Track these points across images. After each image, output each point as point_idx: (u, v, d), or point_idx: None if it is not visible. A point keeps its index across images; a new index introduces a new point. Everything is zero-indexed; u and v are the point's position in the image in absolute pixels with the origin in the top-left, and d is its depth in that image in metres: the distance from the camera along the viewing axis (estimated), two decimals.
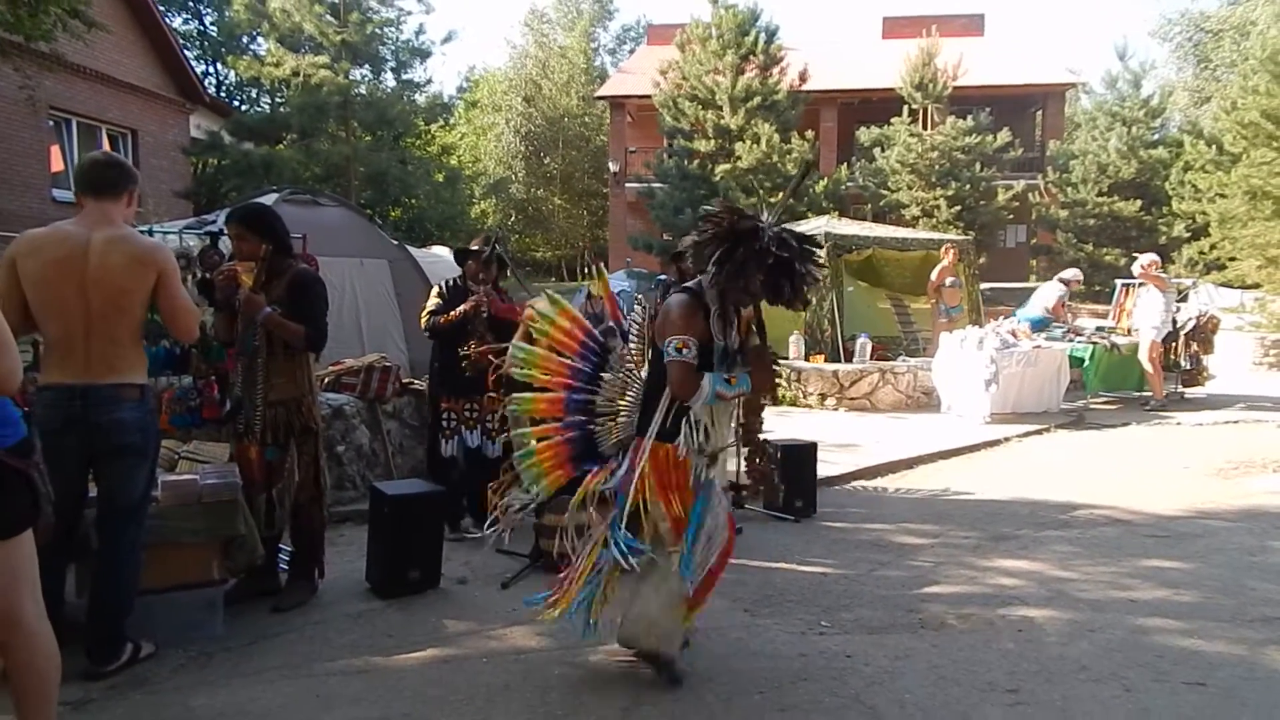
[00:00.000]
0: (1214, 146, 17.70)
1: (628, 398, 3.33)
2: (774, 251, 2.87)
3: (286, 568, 4.05)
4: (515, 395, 3.43)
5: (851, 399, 9.54)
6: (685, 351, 2.97)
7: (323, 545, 4.04)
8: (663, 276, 7.90)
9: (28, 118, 11.88)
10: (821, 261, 3.10)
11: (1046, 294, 10.86)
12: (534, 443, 3.34)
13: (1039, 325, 10.17)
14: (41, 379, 3.15)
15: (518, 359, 3.42)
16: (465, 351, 4.78)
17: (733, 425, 3.27)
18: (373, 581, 4.10)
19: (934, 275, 10.41)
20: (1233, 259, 16.79)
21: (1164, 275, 9.65)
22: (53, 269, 2.97)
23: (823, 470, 5.87)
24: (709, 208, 3.16)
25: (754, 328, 3.23)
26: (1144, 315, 9.75)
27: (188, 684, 3.12)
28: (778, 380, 3.11)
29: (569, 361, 3.38)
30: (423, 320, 5.01)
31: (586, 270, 31.20)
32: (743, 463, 3.55)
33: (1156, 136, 19.82)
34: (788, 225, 3.12)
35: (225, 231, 4.58)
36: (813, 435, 6.28)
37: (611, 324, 3.50)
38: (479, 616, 3.80)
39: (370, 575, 4.13)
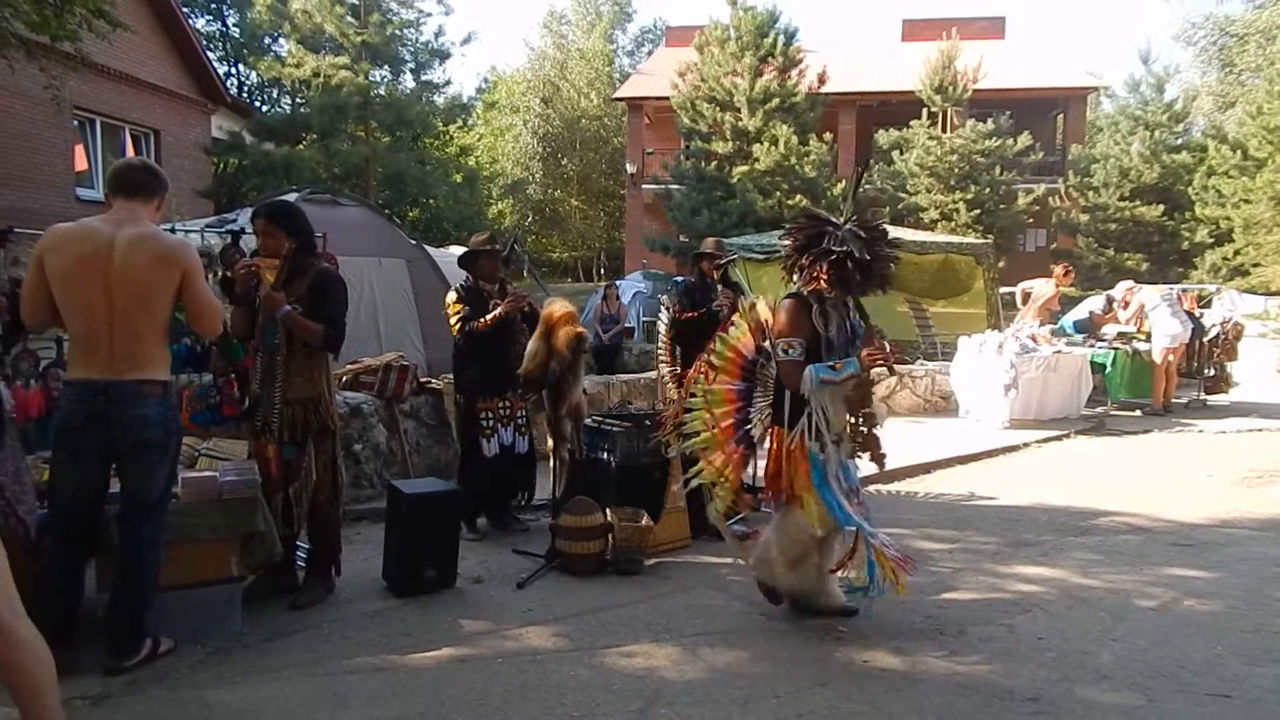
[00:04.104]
0: (1239, 151, 17.52)
1: (765, 398, 3.76)
2: (835, 249, 3.36)
3: (303, 565, 4.07)
4: (694, 439, 3.83)
5: None
6: (791, 351, 3.47)
7: (339, 543, 4.06)
8: (680, 278, 7.90)
9: (53, 117, 11.99)
10: (886, 254, 3.52)
11: (1093, 305, 10.75)
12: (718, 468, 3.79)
13: (1078, 328, 10.09)
14: (66, 374, 3.18)
15: (695, 405, 3.83)
16: (516, 351, 4.84)
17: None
18: (389, 580, 4.11)
19: (1048, 295, 10.06)
20: (1257, 265, 16.61)
21: (1143, 300, 9.56)
22: (78, 266, 3.00)
23: None
24: (790, 223, 3.68)
25: (861, 315, 3.64)
26: (1157, 329, 9.65)
27: (206, 680, 3.13)
28: (891, 356, 3.43)
29: (733, 385, 3.79)
30: (455, 327, 4.96)
31: (602, 271, 31.24)
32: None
33: (1180, 141, 19.63)
34: (864, 221, 3.53)
35: (247, 230, 4.62)
36: None
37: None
38: (495, 616, 3.80)
39: (387, 574, 4.14)
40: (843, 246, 3.36)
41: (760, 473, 3.90)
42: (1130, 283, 10.32)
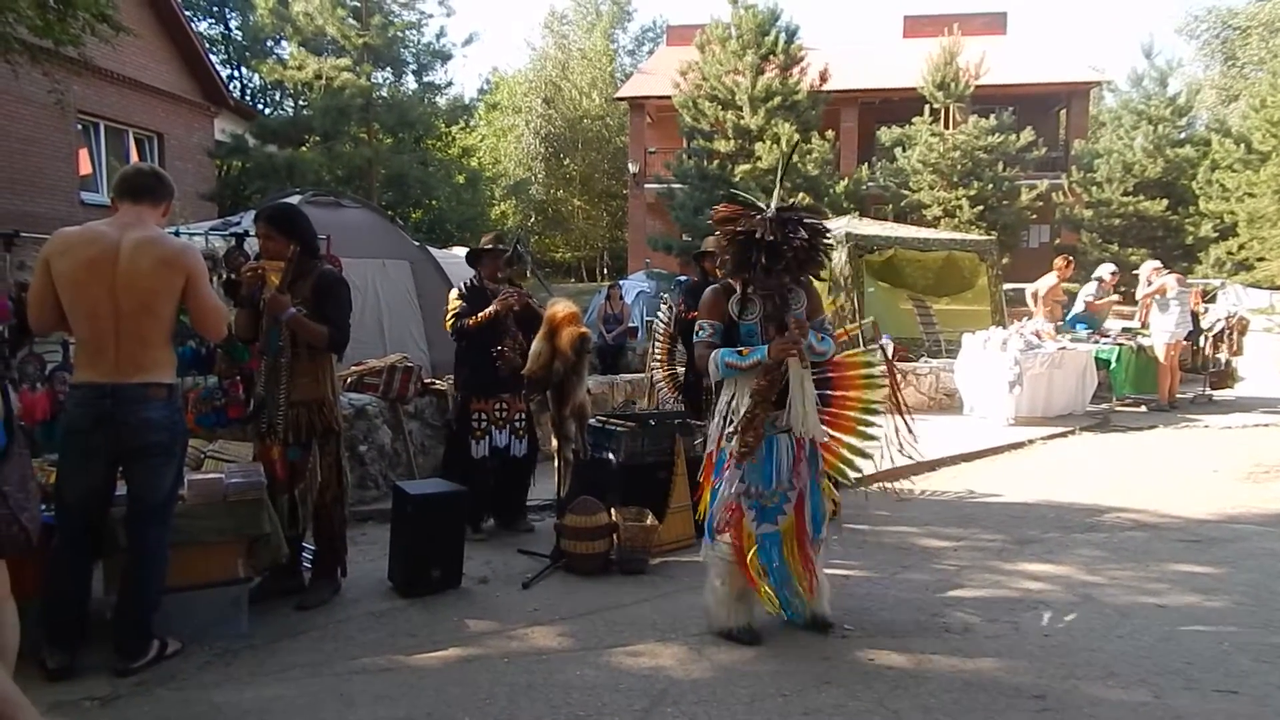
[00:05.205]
0: (1242, 145, 17.46)
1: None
2: (738, 230, 3.34)
3: (309, 566, 4.08)
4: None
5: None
6: (701, 332, 3.49)
7: (345, 544, 4.06)
8: (683, 277, 7.90)
9: (56, 121, 12.04)
10: (798, 238, 3.35)
11: (1085, 292, 10.76)
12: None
13: (1087, 324, 10.10)
14: (72, 378, 3.20)
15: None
16: (501, 349, 4.81)
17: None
18: (395, 580, 4.12)
19: (1050, 286, 10.18)
20: (1261, 259, 16.57)
21: (1166, 284, 9.55)
22: (83, 269, 3.01)
23: None
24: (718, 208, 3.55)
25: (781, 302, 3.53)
26: (1156, 325, 9.65)
27: (213, 680, 3.15)
28: (799, 349, 3.30)
29: None
30: (448, 324, 5.01)
31: (605, 271, 31.24)
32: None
33: (1183, 135, 19.55)
34: (785, 206, 3.45)
35: (251, 233, 4.63)
36: None
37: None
38: (500, 616, 3.81)
39: (392, 574, 4.16)
40: (746, 228, 3.33)
41: None
42: (1157, 263, 10.29)
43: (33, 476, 2.37)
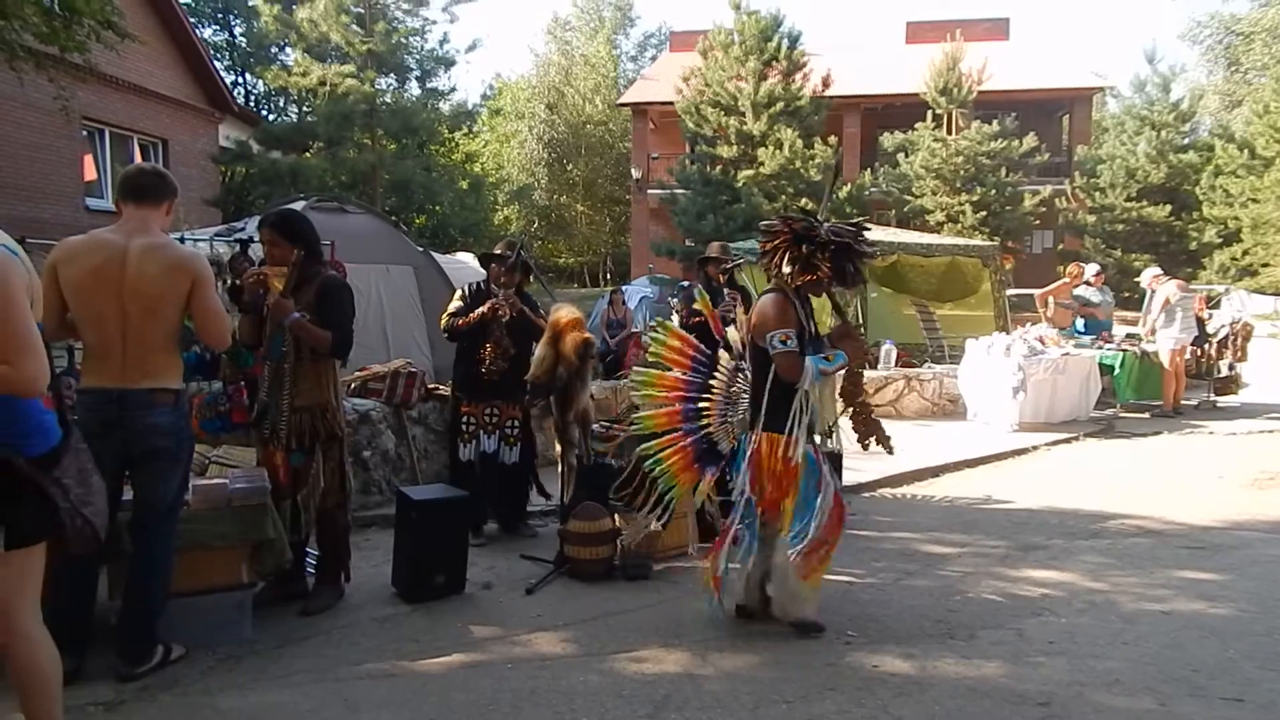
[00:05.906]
0: (1246, 150, 17.49)
1: (738, 400, 3.76)
2: (834, 239, 3.41)
3: (313, 572, 4.08)
4: (637, 415, 3.92)
5: (876, 406, 9.42)
6: (789, 342, 3.42)
7: (348, 549, 4.06)
8: (686, 283, 7.90)
9: (62, 128, 12.10)
10: (872, 245, 3.65)
11: (1078, 296, 10.79)
12: (661, 452, 3.77)
13: (1087, 329, 10.15)
14: (80, 383, 3.20)
15: (636, 381, 3.93)
16: (480, 351, 4.81)
17: (836, 398, 3.76)
18: (398, 586, 4.12)
19: (1048, 290, 10.39)
20: (1266, 265, 16.56)
21: (1168, 294, 9.58)
22: (91, 276, 3.02)
23: (848, 478, 5.82)
24: (767, 223, 3.63)
25: (836, 310, 3.82)
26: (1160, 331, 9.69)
27: (217, 686, 3.15)
28: (868, 349, 3.63)
29: (682, 376, 3.86)
30: (442, 321, 5.04)
31: (608, 276, 31.26)
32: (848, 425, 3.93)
33: (1186, 141, 19.58)
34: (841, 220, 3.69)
35: (255, 239, 4.64)
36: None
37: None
38: (504, 622, 3.81)
39: (396, 580, 4.16)
40: (842, 238, 3.44)
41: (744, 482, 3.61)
42: (1156, 269, 10.32)
43: (94, 471, 2.38)
